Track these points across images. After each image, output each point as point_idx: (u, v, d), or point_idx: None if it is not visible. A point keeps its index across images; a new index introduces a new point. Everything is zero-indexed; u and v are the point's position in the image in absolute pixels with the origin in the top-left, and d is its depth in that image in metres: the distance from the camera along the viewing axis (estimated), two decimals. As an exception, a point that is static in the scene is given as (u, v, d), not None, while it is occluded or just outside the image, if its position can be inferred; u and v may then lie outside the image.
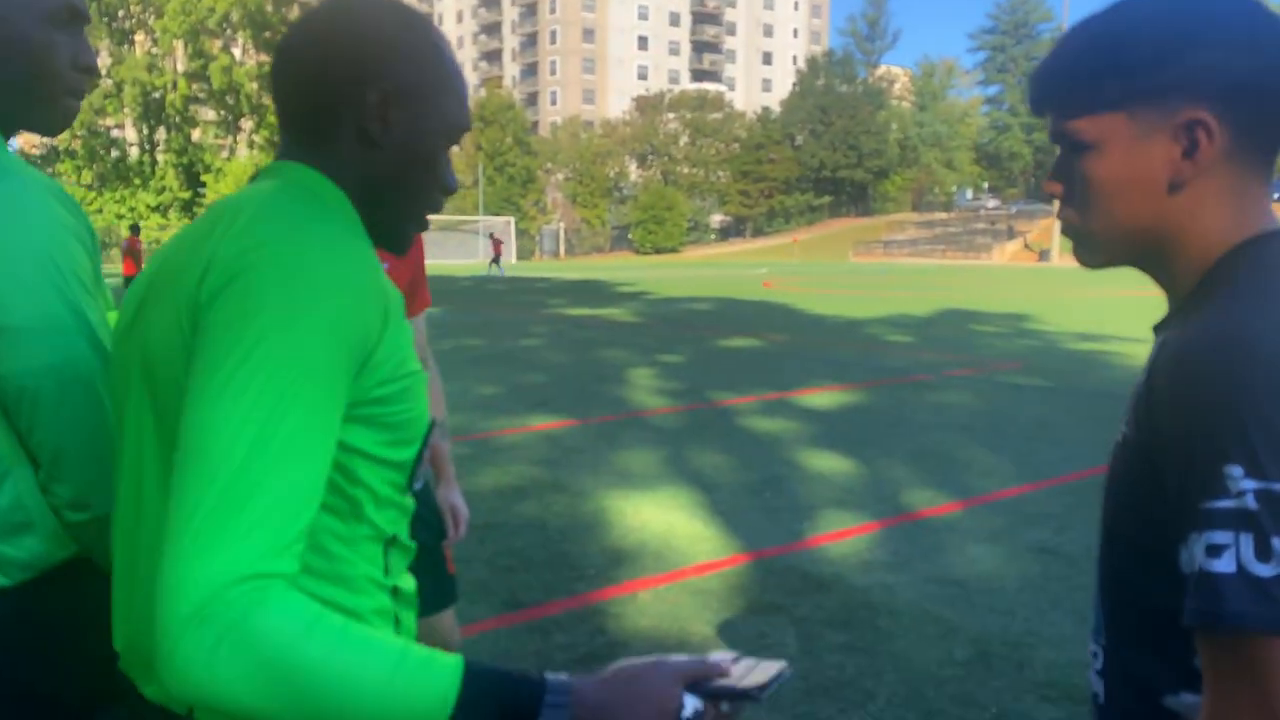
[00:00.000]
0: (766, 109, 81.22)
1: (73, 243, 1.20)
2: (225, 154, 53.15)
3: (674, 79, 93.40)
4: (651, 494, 5.59)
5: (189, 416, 0.83)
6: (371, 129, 1.03)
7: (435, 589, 2.27)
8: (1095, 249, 1.03)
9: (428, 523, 2.26)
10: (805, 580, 4.23)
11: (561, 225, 73.95)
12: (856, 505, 5.38)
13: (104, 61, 40.64)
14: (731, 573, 4.36)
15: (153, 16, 38.66)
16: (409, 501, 1.04)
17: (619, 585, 4.20)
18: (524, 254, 65.71)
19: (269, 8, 52.19)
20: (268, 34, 55.16)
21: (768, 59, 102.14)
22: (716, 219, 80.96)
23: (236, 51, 55.22)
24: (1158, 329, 1.01)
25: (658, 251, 69.61)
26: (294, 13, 54.43)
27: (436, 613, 2.26)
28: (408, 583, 1.02)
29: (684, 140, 77.58)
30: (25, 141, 48.72)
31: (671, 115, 77.45)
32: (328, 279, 0.88)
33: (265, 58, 56.17)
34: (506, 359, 11.77)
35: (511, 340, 13.94)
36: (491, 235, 40.63)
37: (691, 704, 0.90)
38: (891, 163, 76.96)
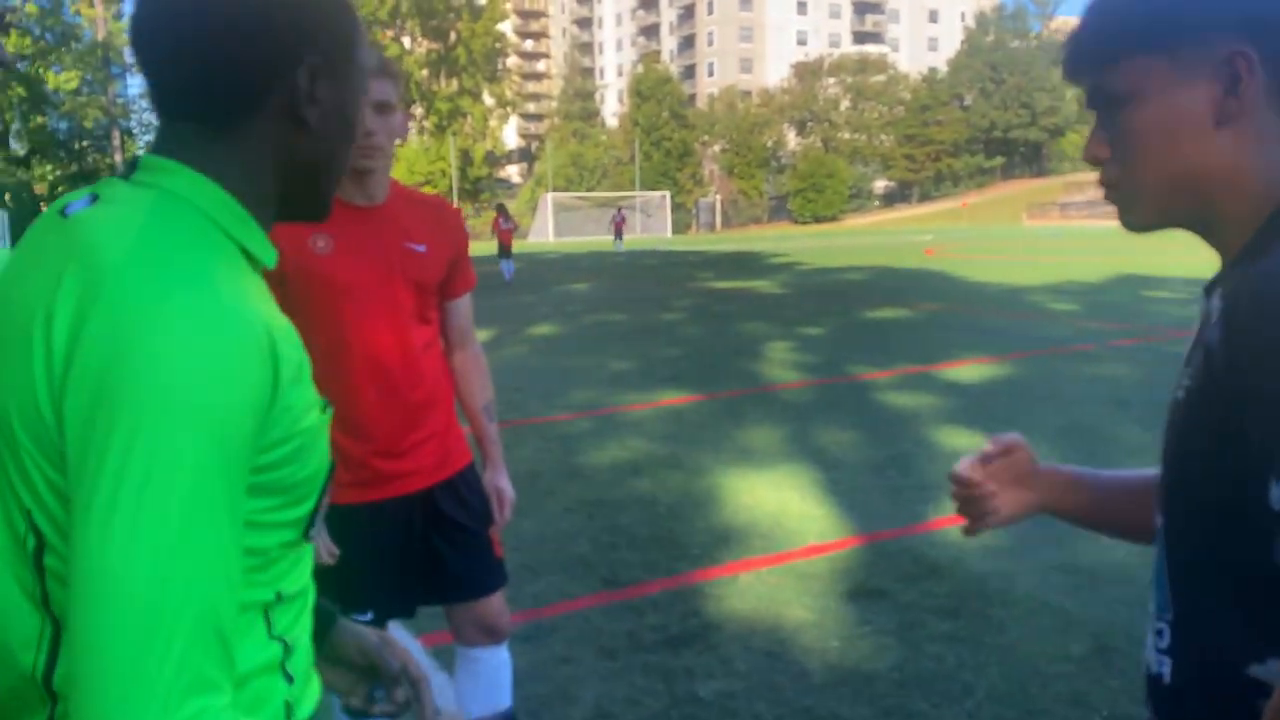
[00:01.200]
0: (933, 69, 77.92)
1: None
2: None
3: (834, 43, 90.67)
4: (769, 472, 5.46)
5: (80, 544, 0.74)
6: (302, 112, 0.91)
7: (482, 573, 2.27)
8: (1142, 206, 0.99)
9: (473, 508, 2.25)
10: (918, 565, 4.03)
11: (718, 197, 73.50)
12: (986, 486, 5.08)
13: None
14: (840, 556, 4.20)
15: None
16: (302, 548, 0.95)
17: (721, 566, 4.12)
18: (680, 228, 65.74)
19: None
20: (434, 22, 57.18)
21: (934, 17, 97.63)
22: (880, 185, 78.54)
23: (406, 40, 57.51)
24: (1209, 289, 0.95)
25: (817, 220, 68.20)
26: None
27: (484, 597, 2.25)
28: (299, 634, 0.94)
29: (845, 105, 75.48)
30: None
31: (831, 80, 75.46)
32: (206, 357, 0.77)
33: (433, 44, 58.37)
34: (645, 333, 11.79)
35: (653, 315, 13.96)
36: (619, 210, 40.80)
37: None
38: (1069, 120, 72.36)
